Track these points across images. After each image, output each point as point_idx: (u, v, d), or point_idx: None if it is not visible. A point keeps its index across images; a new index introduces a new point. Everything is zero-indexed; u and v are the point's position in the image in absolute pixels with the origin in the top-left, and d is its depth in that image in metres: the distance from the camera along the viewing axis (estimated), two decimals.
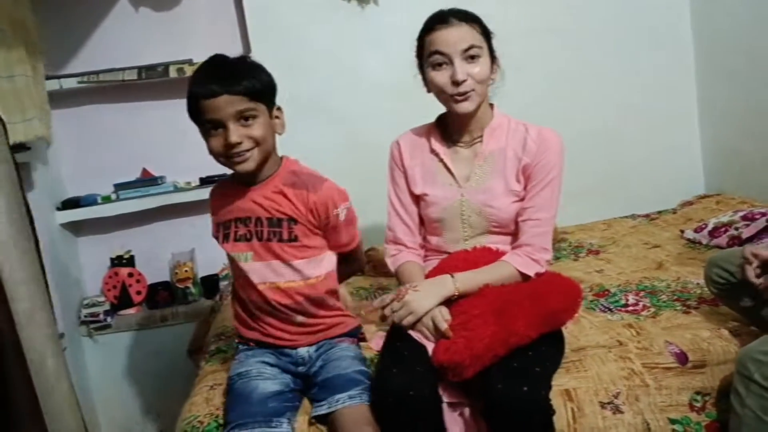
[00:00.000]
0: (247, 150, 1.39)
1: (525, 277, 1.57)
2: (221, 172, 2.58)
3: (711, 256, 1.74)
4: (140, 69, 2.57)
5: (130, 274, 2.68)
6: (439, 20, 1.58)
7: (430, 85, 1.63)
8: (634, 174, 2.95)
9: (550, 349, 1.48)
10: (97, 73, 2.55)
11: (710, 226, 2.37)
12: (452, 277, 1.53)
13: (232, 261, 1.53)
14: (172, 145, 2.73)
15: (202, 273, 2.77)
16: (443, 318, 1.48)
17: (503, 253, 1.62)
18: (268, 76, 1.45)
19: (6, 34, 2.01)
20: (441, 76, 1.57)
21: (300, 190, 1.46)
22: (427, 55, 1.60)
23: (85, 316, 2.59)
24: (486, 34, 1.61)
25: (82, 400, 2.48)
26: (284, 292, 1.48)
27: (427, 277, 1.63)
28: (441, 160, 1.67)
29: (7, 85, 2.01)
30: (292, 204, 1.45)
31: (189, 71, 2.56)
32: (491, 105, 1.69)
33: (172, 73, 2.57)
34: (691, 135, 2.99)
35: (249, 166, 1.42)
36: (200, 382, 1.69)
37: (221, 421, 1.45)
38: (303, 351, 1.52)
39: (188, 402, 1.59)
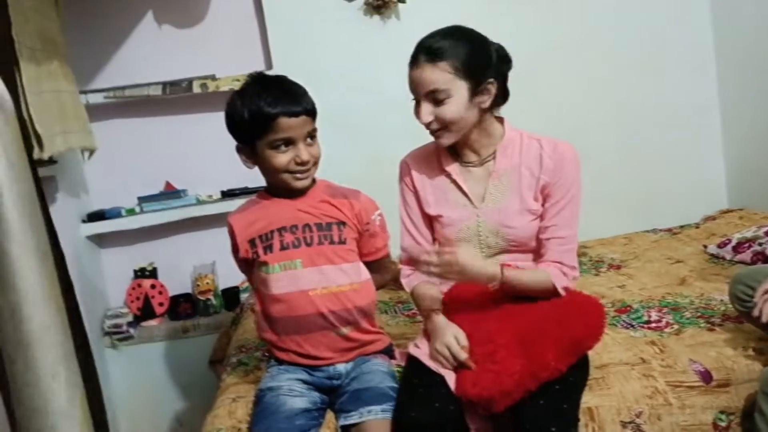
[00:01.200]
0: (310, 168, 1.50)
1: (553, 292, 1.53)
2: (243, 185, 2.61)
3: (736, 272, 1.73)
4: (164, 84, 2.61)
5: (153, 286, 2.71)
6: (412, 57, 1.52)
7: None
8: (656, 188, 2.93)
9: (577, 376, 1.45)
10: (123, 88, 2.60)
11: (734, 242, 2.35)
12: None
13: (264, 277, 1.51)
14: (194, 158, 2.77)
15: (223, 285, 2.79)
16: (460, 344, 1.45)
17: None
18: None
19: (36, 50, 2.05)
20: (416, 113, 1.54)
21: (341, 199, 1.55)
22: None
23: (109, 327, 2.62)
24: (466, 67, 1.47)
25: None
26: (336, 298, 1.49)
27: (446, 296, 1.61)
28: (453, 181, 1.62)
29: (38, 101, 2.06)
30: (339, 210, 1.53)
31: (212, 86, 2.60)
32: (500, 120, 1.63)
33: (196, 88, 2.61)
34: (715, 149, 2.97)
35: (307, 182, 1.52)
36: (222, 394, 1.71)
37: None
38: (340, 367, 1.52)
39: (211, 414, 1.60)
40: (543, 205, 1.57)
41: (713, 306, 1.89)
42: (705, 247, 2.48)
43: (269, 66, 2.71)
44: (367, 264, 1.59)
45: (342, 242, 1.51)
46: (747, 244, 2.29)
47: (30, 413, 1.35)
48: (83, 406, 1.44)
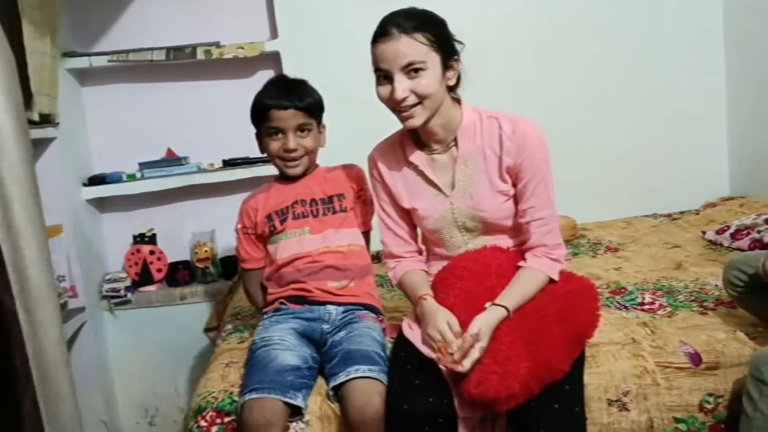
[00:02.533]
0: (300, 156, 1.71)
1: (551, 280, 1.53)
2: (244, 155, 2.62)
3: (730, 258, 1.73)
4: (168, 50, 2.59)
5: (152, 252, 2.73)
6: (380, 31, 1.47)
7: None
8: (658, 174, 2.92)
9: (578, 368, 1.45)
10: (126, 52, 2.58)
11: (732, 228, 2.35)
12: (497, 305, 1.44)
13: (276, 246, 1.73)
14: (197, 126, 2.77)
15: (221, 253, 2.80)
16: (453, 330, 1.41)
17: (513, 253, 1.58)
18: (320, 97, 1.75)
19: (33, 9, 2.03)
20: (383, 91, 1.49)
21: (338, 171, 1.79)
22: (373, 68, 1.51)
23: (107, 291, 2.64)
24: (439, 40, 1.46)
25: (100, 374, 2.55)
26: (336, 254, 1.69)
27: (436, 277, 1.60)
28: (420, 172, 1.59)
29: (36, 60, 2.05)
30: (337, 182, 1.76)
31: (216, 53, 2.59)
32: (458, 101, 1.58)
33: (200, 54, 2.59)
34: (718, 137, 2.95)
35: (298, 170, 1.73)
36: (216, 359, 1.73)
37: (236, 398, 1.49)
38: (331, 308, 1.65)
39: (204, 378, 1.63)
40: (514, 186, 1.55)
41: (707, 290, 1.90)
42: (703, 233, 2.48)
43: (274, 35, 2.69)
44: (365, 236, 1.78)
45: (343, 210, 1.74)
46: (745, 231, 2.29)
47: None
48: None
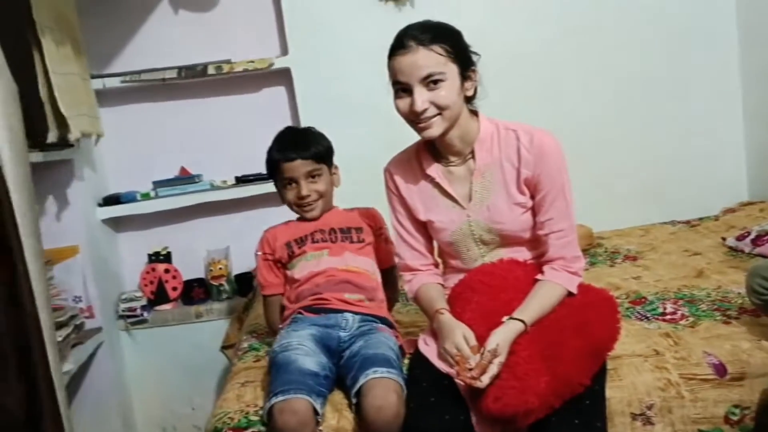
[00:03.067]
0: (314, 200, 1.80)
1: (569, 294, 1.50)
2: (257, 171, 2.62)
3: (753, 265, 1.69)
4: (180, 69, 2.61)
5: (167, 270, 2.73)
6: (397, 44, 1.47)
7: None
8: (675, 180, 2.89)
9: (600, 382, 1.42)
10: (139, 72, 2.61)
11: (753, 234, 2.31)
12: (514, 319, 1.42)
13: (294, 269, 1.80)
14: (209, 144, 2.78)
15: (236, 271, 2.80)
16: (470, 344, 1.39)
17: (530, 266, 1.56)
18: (328, 142, 1.84)
19: (54, 31, 2.06)
20: (402, 104, 1.48)
21: (356, 212, 1.88)
22: (390, 81, 1.50)
23: (123, 311, 2.65)
24: (456, 51, 1.46)
25: (118, 393, 2.55)
26: (353, 273, 1.76)
27: (452, 291, 1.59)
28: (437, 184, 1.59)
29: (62, 82, 2.07)
30: (355, 219, 1.85)
31: (227, 70, 2.60)
32: (475, 113, 1.58)
33: (211, 71, 2.60)
34: (736, 141, 2.92)
35: (315, 213, 1.82)
36: (232, 378, 1.72)
37: (252, 418, 1.48)
38: (348, 315, 1.67)
39: (220, 398, 1.62)
40: (532, 198, 1.53)
41: (730, 299, 1.86)
42: (723, 239, 2.44)
43: (284, 51, 2.70)
44: (383, 274, 1.85)
45: (360, 241, 1.82)
46: (766, 237, 2.24)
47: None
48: None
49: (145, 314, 2.67)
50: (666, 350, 1.58)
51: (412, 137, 1.67)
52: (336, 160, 1.87)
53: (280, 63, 2.65)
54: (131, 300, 2.67)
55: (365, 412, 1.40)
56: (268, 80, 2.76)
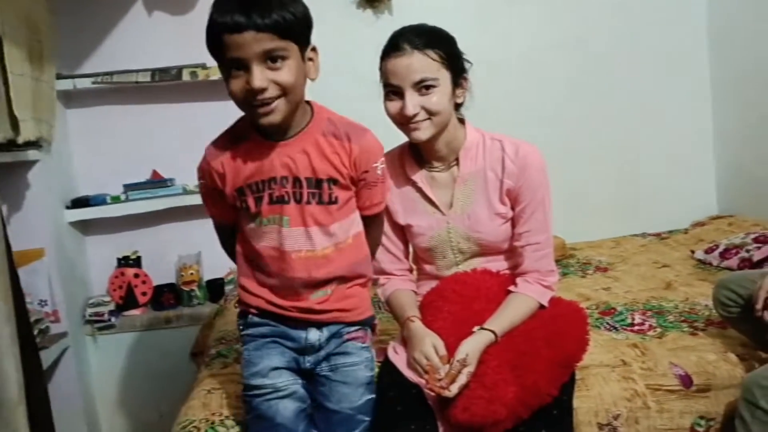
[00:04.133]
0: (274, 98, 1.21)
1: (540, 306, 1.50)
2: None
3: (721, 277, 1.72)
4: (154, 71, 2.58)
5: (136, 275, 2.68)
6: (392, 47, 1.46)
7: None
8: (647, 193, 2.94)
9: (568, 392, 1.42)
10: (111, 74, 2.57)
11: (721, 248, 2.34)
12: (485, 329, 1.41)
13: (251, 227, 1.36)
14: (182, 147, 2.72)
15: (207, 276, 2.77)
16: (439, 353, 1.38)
17: (504, 277, 1.56)
18: (304, 7, 1.25)
19: (20, 32, 2.03)
20: (393, 106, 1.47)
21: (341, 140, 1.30)
22: (382, 83, 1.50)
23: (90, 316, 2.59)
24: (450, 57, 1.46)
25: (83, 399, 2.50)
26: (320, 261, 1.34)
27: (424, 299, 1.57)
28: (419, 189, 1.58)
29: (20, 83, 2.02)
30: (333, 158, 1.30)
31: (202, 75, 2.58)
32: (462, 121, 1.58)
33: (185, 76, 2.58)
34: (706, 156, 2.98)
35: (275, 118, 1.23)
36: (198, 385, 1.69)
37: (218, 428, 1.45)
38: (313, 336, 1.38)
39: (185, 405, 1.59)
40: (512, 209, 1.54)
41: (697, 311, 1.88)
42: (692, 252, 2.48)
43: None
44: (363, 219, 1.42)
45: (333, 202, 1.33)
46: (734, 251, 2.28)
47: None
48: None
49: (113, 319, 2.62)
50: (633, 360, 1.59)
51: (389, 146, 1.66)
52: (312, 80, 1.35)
53: None
54: (99, 305, 2.62)
55: None
56: None
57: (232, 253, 1.47)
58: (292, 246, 1.32)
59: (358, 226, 1.41)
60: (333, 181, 1.31)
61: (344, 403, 1.39)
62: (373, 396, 1.43)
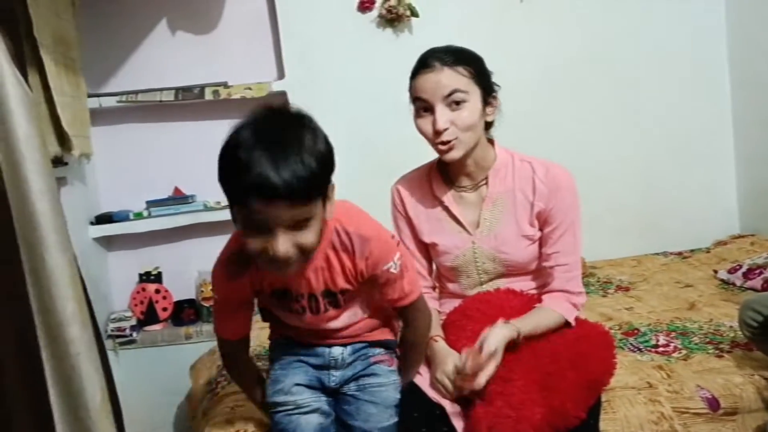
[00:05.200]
0: (295, 261, 1.17)
1: (565, 324, 1.50)
2: None
3: (746, 298, 1.70)
4: (177, 90, 2.62)
5: (157, 291, 2.71)
6: (421, 64, 1.48)
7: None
8: (668, 212, 2.91)
9: (595, 416, 1.41)
10: (135, 92, 2.61)
11: (744, 268, 2.32)
12: (508, 322, 1.40)
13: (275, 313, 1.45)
14: (203, 164, 2.73)
15: None
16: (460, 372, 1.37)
17: (528, 296, 1.56)
18: (325, 146, 1.16)
19: (57, 50, 2.07)
20: (424, 124, 1.48)
21: (348, 253, 1.30)
22: (412, 101, 1.51)
23: (112, 330, 2.62)
24: (479, 74, 1.47)
25: None
26: (344, 328, 1.42)
27: (448, 317, 1.57)
28: (446, 208, 1.58)
29: (61, 100, 2.08)
30: (344, 272, 1.31)
31: (224, 94, 2.61)
32: (491, 142, 1.58)
33: (208, 95, 2.61)
34: (727, 175, 2.95)
35: (293, 270, 1.21)
36: (221, 402, 1.69)
37: None
38: (336, 351, 1.42)
39: (208, 425, 1.59)
40: (541, 230, 1.54)
41: (722, 332, 1.86)
42: (715, 272, 2.45)
43: (281, 75, 2.71)
44: (399, 312, 1.43)
45: (346, 303, 1.38)
46: (758, 271, 2.26)
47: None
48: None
49: (134, 334, 2.64)
50: (659, 383, 1.57)
51: (411, 165, 1.67)
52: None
53: (276, 86, 2.67)
54: (120, 320, 2.64)
55: None
56: (264, 103, 2.76)
57: (242, 383, 1.52)
58: (309, 324, 1.39)
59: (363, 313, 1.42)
60: (344, 291, 1.34)
61: (371, 422, 1.39)
62: (397, 420, 1.42)
